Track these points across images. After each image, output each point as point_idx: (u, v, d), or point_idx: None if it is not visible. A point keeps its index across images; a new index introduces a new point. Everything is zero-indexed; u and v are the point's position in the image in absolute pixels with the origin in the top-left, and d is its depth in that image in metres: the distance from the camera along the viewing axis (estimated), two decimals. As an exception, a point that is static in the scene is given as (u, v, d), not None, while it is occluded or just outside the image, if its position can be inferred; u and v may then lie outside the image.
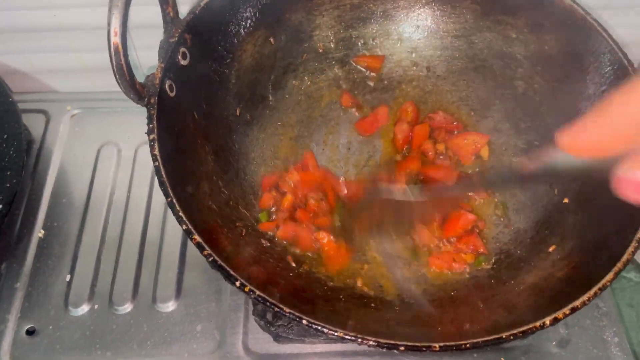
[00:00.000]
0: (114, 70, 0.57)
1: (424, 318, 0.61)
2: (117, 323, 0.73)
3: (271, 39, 0.79)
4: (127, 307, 0.74)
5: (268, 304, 0.50)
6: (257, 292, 0.51)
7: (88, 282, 0.76)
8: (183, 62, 0.66)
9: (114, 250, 0.79)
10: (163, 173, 0.56)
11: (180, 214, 0.54)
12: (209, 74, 0.72)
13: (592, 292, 0.51)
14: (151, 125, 0.59)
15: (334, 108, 0.84)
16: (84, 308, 0.74)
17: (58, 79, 0.96)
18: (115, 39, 0.55)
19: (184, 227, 0.54)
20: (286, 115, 0.82)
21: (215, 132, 0.72)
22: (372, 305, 0.64)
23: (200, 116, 0.69)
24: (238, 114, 0.76)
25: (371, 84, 0.85)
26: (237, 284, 0.51)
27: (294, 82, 0.83)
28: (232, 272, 0.52)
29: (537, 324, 0.50)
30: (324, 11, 0.81)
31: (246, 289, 0.51)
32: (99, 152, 0.88)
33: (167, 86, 0.63)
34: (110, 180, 0.86)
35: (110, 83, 0.94)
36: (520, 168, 0.48)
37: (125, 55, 0.57)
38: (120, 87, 0.59)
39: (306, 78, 0.84)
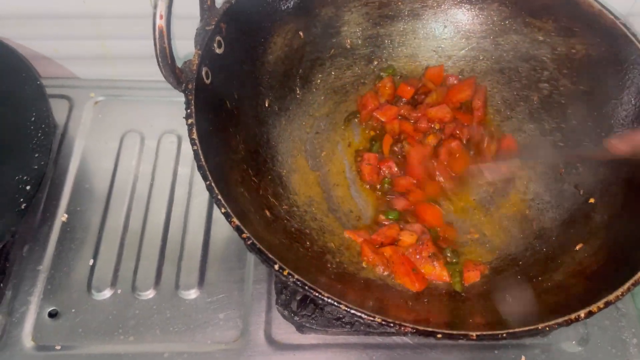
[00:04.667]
0: (156, 54, 0.58)
1: (453, 310, 0.62)
2: (139, 308, 0.73)
3: (301, 33, 0.80)
4: (150, 293, 0.74)
5: (307, 287, 0.50)
6: (296, 276, 0.51)
7: (111, 267, 0.76)
8: (218, 51, 0.67)
9: (136, 237, 0.79)
10: (202, 157, 0.57)
11: (219, 197, 0.55)
12: (241, 64, 0.72)
13: (625, 287, 0.52)
14: (189, 110, 0.60)
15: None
16: (107, 292, 0.74)
17: (82, 66, 0.96)
18: (161, 22, 0.56)
19: (223, 210, 0.54)
20: (313, 109, 0.82)
21: (246, 122, 0.72)
22: (402, 297, 0.64)
23: (232, 105, 0.70)
24: (267, 105, 0.77)
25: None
26: (276, 267, 0.52)
27: (320, 76, 0.83)
28: (270, 255, 0.52)
29: (572, 316, 0.51)
30: (352, 8, 0.82)
31: (285, 273, 0.51)
32: (122, 140, 0.89)
33: (203, 73, 0.64)
34: (133, 169, 0.86)
35: (134, 72, 0.96)
36: None
37: (169, 39, 0.57)
38: (161, 71, 0.60)
39: (333, 73, 0.84)
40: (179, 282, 0.76)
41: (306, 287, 0.50)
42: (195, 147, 0.57)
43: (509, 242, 0.72)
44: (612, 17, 0.71)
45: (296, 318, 0.70)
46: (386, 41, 0.85)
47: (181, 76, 0.62)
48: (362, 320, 0.50)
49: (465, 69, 0.85)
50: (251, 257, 0.78)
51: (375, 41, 0.85)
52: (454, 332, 0.49)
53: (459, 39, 0.84)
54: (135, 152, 0.87)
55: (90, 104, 0.92)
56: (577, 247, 0.65)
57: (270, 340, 0.71)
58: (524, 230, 0.73)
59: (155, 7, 0.55)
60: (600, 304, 0.51)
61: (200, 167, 0.56)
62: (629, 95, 0.68)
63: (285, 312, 0.70)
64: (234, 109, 0.70)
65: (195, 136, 0.58)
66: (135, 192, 0.83)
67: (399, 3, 0.83)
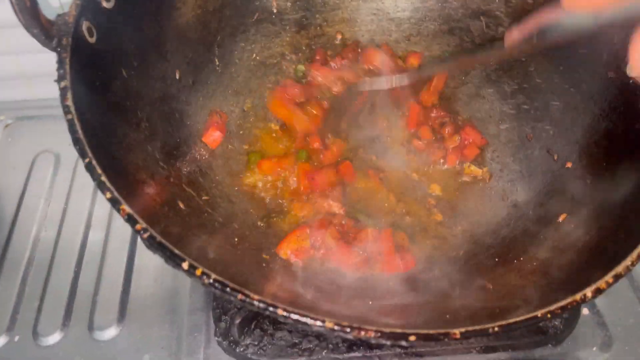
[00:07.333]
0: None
1: (425, 306, 0.49)
2: (41, 357, 0.58)
3: (218, -8, 0.66)
4: (56, 337, 0.60)
5: (228, 289, 0.36)
6: (213, 276, 0.37)
7: (8, 309, 0.62)
8: (106, 4, 0.53)
9: (43, 270, 0.65)
10: (79, 128, 0.43)
11: (103, 178, 0.40)
12: (140, 25, 0.58)
13: (634, 254, 0.41)
14: (62, 71, 0.46)
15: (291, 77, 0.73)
16: (1, 341, 0.60)
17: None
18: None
19: (108, 195, 0.40)
20: (237, 83, 0.69)
21: (150, 95, 0.58)
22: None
23: (130, 74, 0.56)
24: (178, 77, 0.63)
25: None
26: (184, 265, 0.37)
27: (243, 45, 0.70)
28: (176, 251, 0.38)
29: (578, 297, 0.39)
30: (278, -38, 0.70)
31: (197, 272, 0.37)
32: (33, 162, 0.76)
33: (84, 28, 0.50)
34: (45, 192, 0.73)
35: (49, 89, 0.80)
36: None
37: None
38: (20, 20, 0.45)
39: (258, 42, 0.71)
40: (94, 320, 0.61)
41: (228, 289, 0.37)
42: (70, 116, 0.43)
43: (478, 222, 0.61)
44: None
45: (239, 349, 0.56)
46: (318, 3, 0.73)
47: (52, 29, 0.47)
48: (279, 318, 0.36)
49: (412, 32, 0.75)
50: (186, 284, 0.63)
51: (306, 3, 0.73)
52: (431, 331, 0.36)
53: (401, -1, 0.74)
54: (48, 174, 0.75)
55: (-1, 128, 0.78)
56: (561, 219, 0.55)
57: (209, 381, 0.57)
58: (494, 207, 0.62)
59: None
60: (609, 278, 0.40)
61: (76, 141, 0.42)
62: (601, 42, 0.59)
63: (225, 344, 0.57)
64: (133, 78, 0.56)
65: (69, 103, 0.44)
66: (46, 218, 0.70)
67: (331, -42, 0.72)
